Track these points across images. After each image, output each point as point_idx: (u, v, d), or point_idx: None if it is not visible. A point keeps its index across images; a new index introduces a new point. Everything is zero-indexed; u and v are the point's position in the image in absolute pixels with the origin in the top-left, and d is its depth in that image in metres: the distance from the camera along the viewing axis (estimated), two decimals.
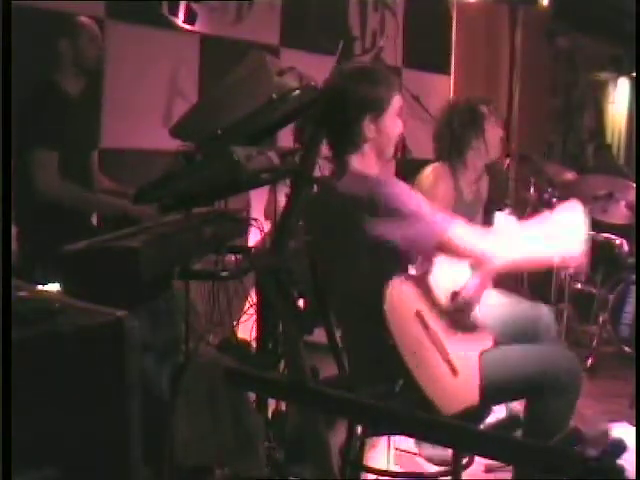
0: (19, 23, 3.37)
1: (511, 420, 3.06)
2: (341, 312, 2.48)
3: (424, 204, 2.24)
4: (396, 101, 2.38)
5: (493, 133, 3.21)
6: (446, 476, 2.61)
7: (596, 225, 5.07)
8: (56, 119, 3.07)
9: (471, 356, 2.33)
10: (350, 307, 2.40)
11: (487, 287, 2.65)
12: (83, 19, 3.29)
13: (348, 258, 2.33)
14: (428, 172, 3.16)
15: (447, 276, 2.49)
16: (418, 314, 2.28)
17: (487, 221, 3.05)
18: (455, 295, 2.53)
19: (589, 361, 4.57)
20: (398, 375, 2.22)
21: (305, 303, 2.71)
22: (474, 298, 2.55)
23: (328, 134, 2.39)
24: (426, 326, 2.27)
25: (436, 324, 2.31)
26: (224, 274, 2.51)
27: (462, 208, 2.97)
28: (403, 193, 2.24)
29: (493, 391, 2.33)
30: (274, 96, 2.49)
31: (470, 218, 3.06)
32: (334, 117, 2.35)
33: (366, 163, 2.37)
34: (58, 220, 3.03)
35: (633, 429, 3.37)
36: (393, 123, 2.38)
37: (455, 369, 2.27)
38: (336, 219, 2.37)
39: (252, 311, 2.83)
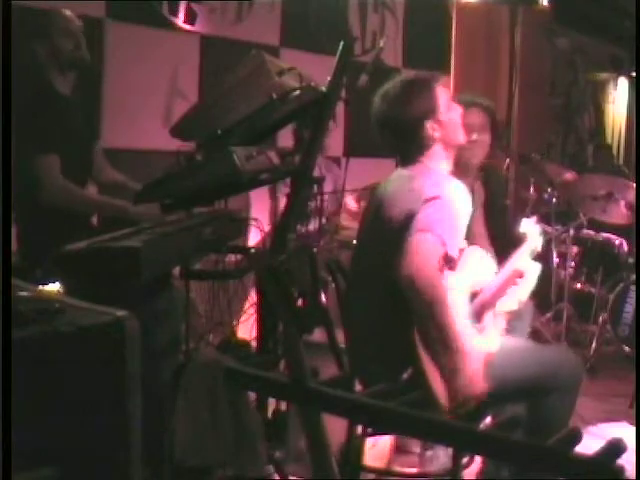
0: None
1: (511, 420, 3.05)
2: (362, 306, 2.49)
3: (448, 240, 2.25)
4: (441, 93, 2.45)
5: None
6: (446, 476, 2.61)
7: (596, 225, 5.07)
8: (52, 120, 3.03)
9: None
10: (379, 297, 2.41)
11: (504, 294, 2.64)
12: (56, 12, 3.11)
13: (387, 242, 2.35)
14: None
15: (471, 275, 2.50)
16: None
17: (512, 227, 3.03)
18: (474, 296, 2.54)
19: (589, 361, 4.57)
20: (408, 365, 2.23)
21: (305, 303, 2.71)
22: (490, 301, 2.55)
23: (394, 145, 2.51)
24: None
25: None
26: (224, 274, 2.52)
27: None
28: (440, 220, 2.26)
29: (494, 391, 2.33)
30: (274, 96, 2.49)
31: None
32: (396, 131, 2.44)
33: (437, 158, 2.46)
34: (58, 220, 3.02)
35: (633, 429, 3.37)
36: (449, 110, 2.45)
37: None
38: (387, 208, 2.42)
39: (252, 311, 2.83)
